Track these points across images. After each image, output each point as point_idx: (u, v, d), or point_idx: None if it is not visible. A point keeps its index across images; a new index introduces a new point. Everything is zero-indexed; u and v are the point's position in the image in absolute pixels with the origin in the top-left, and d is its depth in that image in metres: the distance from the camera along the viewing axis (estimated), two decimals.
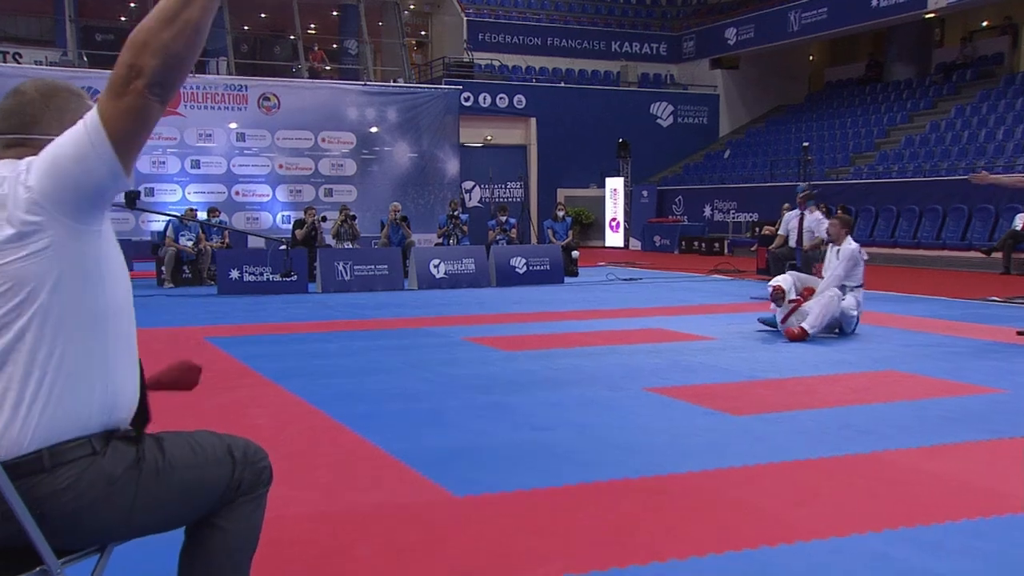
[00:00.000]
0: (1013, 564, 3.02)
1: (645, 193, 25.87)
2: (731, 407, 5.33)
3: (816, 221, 11.22)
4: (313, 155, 21.79)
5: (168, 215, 14.97)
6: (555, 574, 2.91)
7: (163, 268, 13.65)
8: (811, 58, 31.10)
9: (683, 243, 23.41)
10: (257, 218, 21.34)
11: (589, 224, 26.63)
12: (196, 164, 20.84)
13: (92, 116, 1.70)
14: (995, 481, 3.92)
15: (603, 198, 26.23)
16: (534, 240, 21.15)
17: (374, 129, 22.21)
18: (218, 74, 21.68)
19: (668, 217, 25.34)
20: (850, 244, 8.24)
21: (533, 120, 26.15)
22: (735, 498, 3.68)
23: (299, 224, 15.09)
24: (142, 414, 1.95)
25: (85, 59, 21.26)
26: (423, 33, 29.30)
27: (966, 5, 22.36)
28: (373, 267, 13.23)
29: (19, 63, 20.22)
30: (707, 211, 24.60)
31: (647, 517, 3.45)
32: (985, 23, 26.21)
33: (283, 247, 12.30)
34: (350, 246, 14.84)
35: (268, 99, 21.30)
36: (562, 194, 25.34)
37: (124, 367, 1.89)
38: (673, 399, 5.55)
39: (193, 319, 9.69)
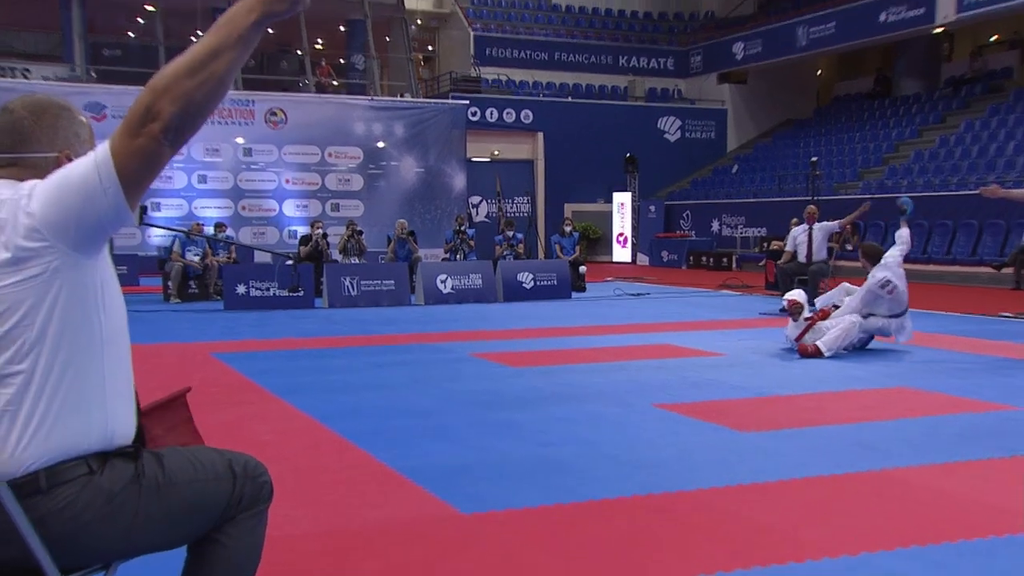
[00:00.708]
0: None
1: (652, 208, 25.88)
2: (740, 424, 5.31)
3: (822, 230, 11.47)
4: (320, 170, 21.88)
5: (175, 230, 15.03)
6: None
7: (169, 283, 13.68)
8: (819, 73, 31.16)
9: (691, 258, 23.39)
10: (264, 233, 21.42)
11: (596, 239, 26.66)
12: (203, 179, 20.97)
13: (103, 150, 1.70)
14: (1007, 499, 3.89)
15: (610, 213, 26.25)
16: (541, 255, 21.19)
17: (381, 144, 22.29)
18: None
19: (676, 232, 25.34)
20: (874, 276, 8.10)
21: (540, 135, 26.21)
22: (744, 515, 3.66)
23: (305, 240, 15.12)
24: (138, 439, 1.95)
25: (93, 74, 21.49)
26: (430, 48, 29.46)
27: (975, 19, 22.34)
28: (380, 282, 13.23)
29: (27, 78, 20.41)
30: (715, 226, 24.60)
31: (655, 534, 3.44)
32: (994, 38, 26.24)
33: (289, 262, 12.37)
34: (357, 261, 14.86)
35: (275, 114, 21.41)
36: (569, 209, 25.40)
37: (121, 392, 1.90)
38: (682, 415, 5.53)
39: (199, 335, 9.70)
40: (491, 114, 25.62)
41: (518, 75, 27.74)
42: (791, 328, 8.19)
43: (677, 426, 5.27)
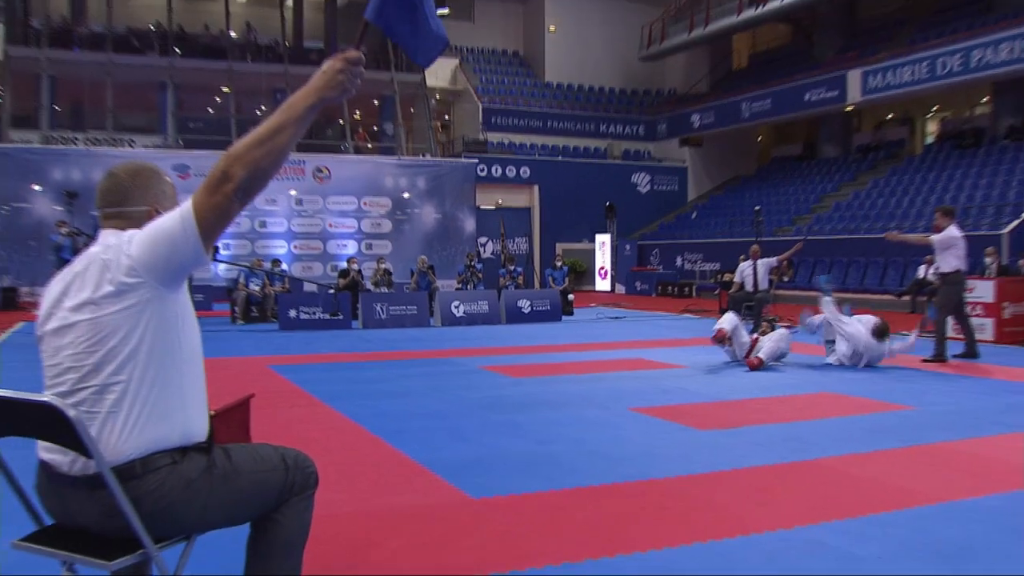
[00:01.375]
0: (920, 546, 3.03)
1: (628, 247, 25.89)
2: (700, 423, 5.30)
3: (765, 265, 11.46)
4: (356, 216, 21.95)
5: (240, 265, 15.07)
6: (556, 563, 2.89)
7: (236, 308, 13.70)
8: (759, 139, 31.27)
9: (659, 287, 23.34)
10: (311, 267, 21.46)
11: (582, 272, 26.62)
12: (263, 224, 21.07)
13: (187, 206, 1.75)
14: (907, 481, 3.90)
15: (594, 250, 26.22)
16: (537, 285, 21.19)
17: (406, 195, 22.38)
18: None
19: (647, 266, 25.31)
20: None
21: (536, 187, 26.28)
22: (702, 498, 3.66)
23: (344, 273, 15.15)
24: (210, 437, 1.98)
25: (180, 142, 21.85)
26: (447, 117, 29.64)
27: (875, 101, 23.02)
28: (405, 307, 13.23)
29: (132, 147, 20.94)
30: (679, 261, 24.60)
31: (631, 515, 3.43)
32: (891, 115, 26.72)
33: (332, 291, 12.34)
34: (386, 291, 14.88)
35: (321, 171, 21.52)
36: (560, 247, 25.31)
37: (197, 400, 1.93)
38: (653, 417, 5.52)
39: (259, 350, 9.71)
40: (496, 170, 25.69)
41: (518, 139, 27.84)
42: (737, 349, 8.18)
43: (649, 426, 5.26)
